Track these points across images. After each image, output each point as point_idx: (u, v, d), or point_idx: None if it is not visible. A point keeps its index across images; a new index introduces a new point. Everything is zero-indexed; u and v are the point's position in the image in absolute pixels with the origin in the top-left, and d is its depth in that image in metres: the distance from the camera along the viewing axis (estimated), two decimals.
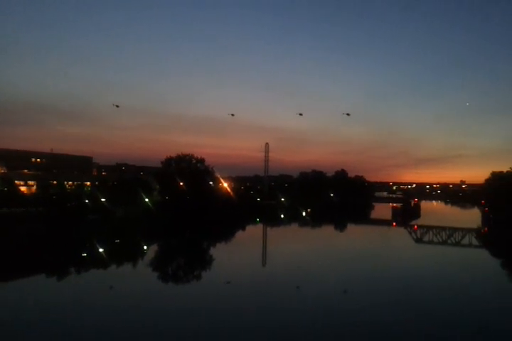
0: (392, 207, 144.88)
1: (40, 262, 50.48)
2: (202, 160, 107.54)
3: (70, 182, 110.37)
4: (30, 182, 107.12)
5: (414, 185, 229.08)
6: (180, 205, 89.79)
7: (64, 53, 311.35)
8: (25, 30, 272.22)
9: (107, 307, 33.35)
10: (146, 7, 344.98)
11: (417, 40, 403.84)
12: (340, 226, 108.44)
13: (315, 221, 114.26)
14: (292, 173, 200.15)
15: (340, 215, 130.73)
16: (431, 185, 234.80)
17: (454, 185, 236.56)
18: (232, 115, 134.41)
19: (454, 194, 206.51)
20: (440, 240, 78.77)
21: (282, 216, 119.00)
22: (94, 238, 65.30)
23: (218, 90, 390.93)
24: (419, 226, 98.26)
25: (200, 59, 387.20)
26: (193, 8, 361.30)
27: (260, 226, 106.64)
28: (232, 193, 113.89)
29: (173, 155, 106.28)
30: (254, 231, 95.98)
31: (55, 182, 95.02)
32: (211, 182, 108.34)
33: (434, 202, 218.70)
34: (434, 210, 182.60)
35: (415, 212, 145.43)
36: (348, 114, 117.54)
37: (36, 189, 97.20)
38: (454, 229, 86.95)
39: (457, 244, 75.06)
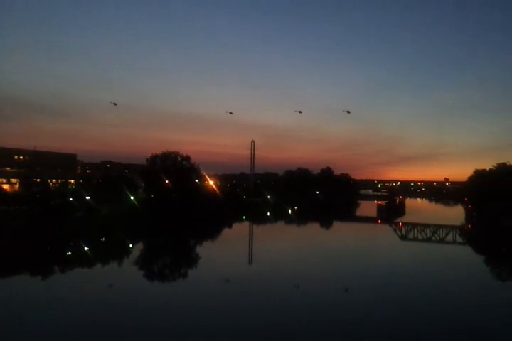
0: (377, 204, 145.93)
1: (21, 260, 49.68)
2: (187, 158, 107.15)
3: (54, 180, 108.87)
4: (13, 180, 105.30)
5: (398, 183, 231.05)
6: (165, 203, 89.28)
7: (49, 50, 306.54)
8: (8, 27, 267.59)
9: (85, 306, 32.72)
10: (133, 4, 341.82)
11: (402, 40, 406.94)
12: (326, 223, 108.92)
13: (301, 218, 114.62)
14: (278, 171, 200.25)
15: (326, 213, 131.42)
16: (415, 182, 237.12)
17: (438, 182, 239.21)
18: (231, 113, 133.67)
19: (437, 191, 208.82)
20: (425, 237, 79.60)
21: (268, 214, 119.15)
22: (78, 236, 64.61)
23: (204, 88, 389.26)
24: (404, 224, 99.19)
25: (186, 57, 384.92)
26: (186, 6, 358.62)
27: (246, 223, 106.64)
28: (217, 191, 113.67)
29: (159, 152, 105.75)
30: (240, 229, 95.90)
31: (38, 180, 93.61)
32: (197, 180, 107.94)
33: (418, 199, 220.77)
34: (418, 208, 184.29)
35: (400, 210, 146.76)
36: (348, 112, 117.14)
37: (19, 187, 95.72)
38: (438, 226, 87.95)
39: (441, 240, 75.92)
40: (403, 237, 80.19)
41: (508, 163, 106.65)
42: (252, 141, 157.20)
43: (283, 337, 27.10)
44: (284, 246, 67.94)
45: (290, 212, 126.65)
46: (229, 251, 61.41)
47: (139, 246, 67.51)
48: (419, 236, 80.00)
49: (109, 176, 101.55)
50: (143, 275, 46.68)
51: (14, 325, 28.37)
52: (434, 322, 30.26)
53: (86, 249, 58.99)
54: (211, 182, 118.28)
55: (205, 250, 64.36)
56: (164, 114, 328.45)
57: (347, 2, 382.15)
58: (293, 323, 29.26)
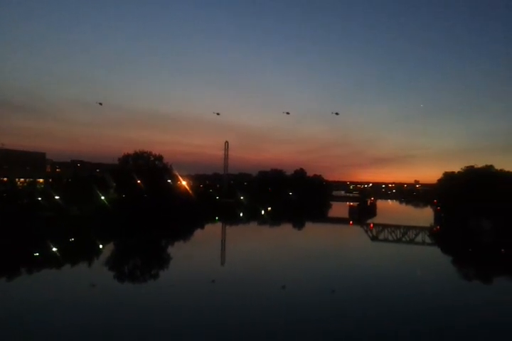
0: (349, 205, 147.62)
1: None
2: (160, 158, 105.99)
3: (22, 179, 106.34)
4: None
5: (370, 185, 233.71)
6: (137, 203, 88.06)
7: (19, 46, 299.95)
8: None
9: (50, 307, 31.94)
10: (109, 1, 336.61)
11: (377, 44, 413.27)
12: (299, 224, 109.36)
13: (274, 219, 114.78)
14: (252, 172, 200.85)
15: (299, 214, 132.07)
16: (386, 184, 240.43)
17: (408, 184, 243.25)
18: (218, 114, 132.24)
19: (408, 193, 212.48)
20: (395, 238, 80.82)
21: (241, 214, 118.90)
22: (45, 237, 62.91)
23: (179, 88, 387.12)
24: (375, 225, 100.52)
25: (161, 56, 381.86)
26: (166, 4, 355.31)
27: (219, 225, 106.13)
28: (190, 191, 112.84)
29: (131, 152, 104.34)
30: (212, 229, 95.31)
31: (5, 178, 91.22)
32: (169, 180, 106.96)
33: (389, 201, 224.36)
34: (389, 209, 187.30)
35: (371, 211, 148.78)
36: (337, 113, 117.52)
37: None
38: (408, 228, 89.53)
39: (411, 241, 77.23)
40: (374, 238, 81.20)
41: (475, 166, 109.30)
42: (226, 142, 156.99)
43: (252, 337, 27.01)
44: (257, 247, 67.86)
45: (263, 212, 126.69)
46: (200, 252, 60.79)
47: (108, 247, 66.07)
48: (390, 237, 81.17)
49: (80, 175, 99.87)
50: (107, 277, 44.83)
51: None
52: (404, 320, 30.71)
53: (53, 249, 57.49)
54: (184, 183, 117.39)
55: (176, 251, 63.65)
56: (138, 114, 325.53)
57: (326, 5, 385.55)
58: (261, 323, 29.17)
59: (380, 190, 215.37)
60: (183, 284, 39.90)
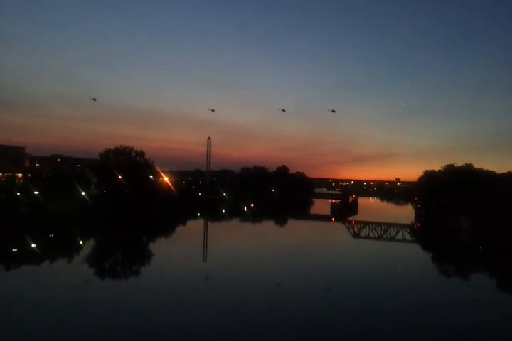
0: (331, 203, 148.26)
1: None
2: (142, 153, 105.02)
3: (0, 174, 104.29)
4: None
5: (352, 182, 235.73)
6: (118, 199, 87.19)
7: (1, 41, 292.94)
8: None
9: (31, 305, 31.46)
10: None
11: (359, 41, 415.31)
12: (281, 221, 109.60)
13: (256, 216, 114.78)
14: (234, 168, 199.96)
15: (281, 211, 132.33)
16: (368, 182, 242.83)
17: (389, 182, 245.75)
18: (213, 110, 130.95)
19: (389, 191, 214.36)
20: (376, 235, 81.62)
21: (223, 211, 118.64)
22: (23, 233, 61.83)
23: (161, 83, 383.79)
24: (357, 222, 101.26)
25: (144, 53, 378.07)
26: (147, 2, 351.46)
27: (201, 221, 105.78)
28: (172, 187, 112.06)
29: (112, 147, 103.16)
30: (194, 226, 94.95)
31: None
32: (151, 176, 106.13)
33: (370, 198, 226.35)
34: (370, 206, 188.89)
35: (353, 208, 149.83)
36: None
37: None
38: (389, 225, 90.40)
39: (392, 238, 78.08)
40: (355, 235, 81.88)
41: (455, 165, 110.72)
42: (209, 138, 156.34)
43: (235, 333, 26.97)
44: (239, 244, 67.79)
45: (246, 209, 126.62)
46: (182, 249, 60.42)
47: (88, 243, 65.08)
48: (371, 234, 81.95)
49: (60, 171, 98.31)
50: (85, 275, 43.69)
51: None
52: (384, 316, 30.98)
53: (30, 246, 56.49)
54: (166, 179, 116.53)
55: (157, 248, 63.09)
56: (120, 109, 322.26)
57: (311, 4, 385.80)
58: (242, 319, 29.17)
59: (362, 188, 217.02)
60: (163, 281, 39.64)
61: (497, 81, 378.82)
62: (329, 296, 36.05)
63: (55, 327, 27.30)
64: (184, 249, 60.04)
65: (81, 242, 62.63)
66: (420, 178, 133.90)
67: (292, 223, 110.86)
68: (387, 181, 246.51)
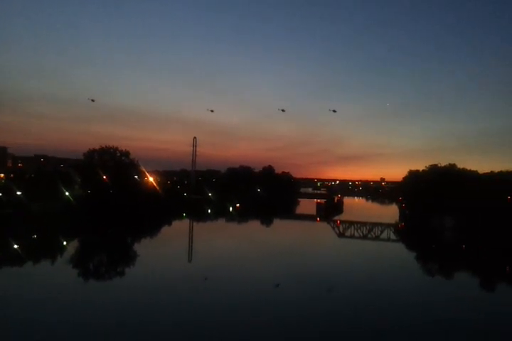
0: (317, 202, 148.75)
1: None
2: (127, 153, 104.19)
3: None
4: None
5: (337, 182, 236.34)
6: (103, 199, 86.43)
7: None
8: None
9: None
10: None
11: (344, 41, 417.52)
12: (267, 221, 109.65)
13: (242, 216, 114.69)
14: (220, 168, 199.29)
15: (267, 210, 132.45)
16: (353, 181, 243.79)
17: (374, 182, 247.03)
18: (212, 111, 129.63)
19: (374, 191, 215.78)
20: (361, 234, 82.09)
21: (209, 211, 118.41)
22: (3, 234, 60.92)
23: (148, 83, 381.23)
24: (342, 222, 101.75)
25: (130, 52, 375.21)
26: (132, 2, 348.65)
27: (187, 221, 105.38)
28: (158, 187, 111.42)
29: (97, 147, 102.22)
30: (179, 226, 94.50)
31: None
32: (136, 176, 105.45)
33: (356, 198, 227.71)
34: (355, 206, 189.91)
35: (338, 208, 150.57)
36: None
37: None
38: (374, 224, 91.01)
39: (377, 238, 78.57)
40: (341, 235, 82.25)
41: (439, 165, 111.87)
42: (194, 138, 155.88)
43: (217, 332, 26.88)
44: (225, 244, 67.62)
45: (232, 209, 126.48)
46: (167, 250, 60.04)
47: (73, 244, 64.38)
48: (356, 234, 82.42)
49: (43, 171, 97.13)
50: (70, 276, 43.49)
51: None
52: (368, 314, 31.12)
53: (14, 247, 55.72)
54: (151, 179, 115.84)
55: (142, 248, 62.33)
56: (105, 109, 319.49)
57: (294, 4, 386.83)
58: (225, 319, 29.08)
59: (347, 188, 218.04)
60: (147, 282, 39.32)
61: (483, 82, 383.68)
62: (314, 295, 36.10)
63: (33, 327, 26.92)
64: (169, 250, 59.69)
65: (64, 243, 61.80)
66: (405, 178, 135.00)
67: (278, 223, 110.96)
68: (372, 181, 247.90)
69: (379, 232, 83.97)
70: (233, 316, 30.24)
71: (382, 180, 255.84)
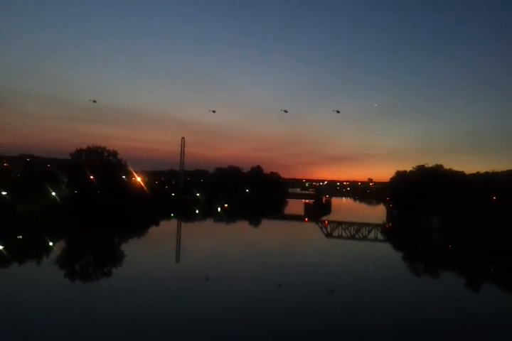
0: (305, 203, 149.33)
1: None
2: (114, 153, 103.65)
3: None
4: None
5: (325, 182, 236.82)
6: (90, 199, 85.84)
7: None
8: None
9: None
10: None
11: (333, 41, 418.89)
12: (255, 221, 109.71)
13: (230, 216, 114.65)
14: (209, 168, 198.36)
15: (256, 211, 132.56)
16: (341, 182, 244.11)
17: (362, 182, 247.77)
18: (214, 112, 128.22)
19: (362, 191, 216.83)
20: (349, 235, 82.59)
21: (197, 211, 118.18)
22: None
23: (136, 83, 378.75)
24: (330, 222, 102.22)
25: (118, 51, 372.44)
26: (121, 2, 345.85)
27: (174, 221, 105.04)
28: (145, 188, 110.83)
29: (84, 147, 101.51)
30: (167, 227, 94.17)
31: None
32: (124, 176, 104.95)
33: (343, 198, 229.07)
34: (343, 206, 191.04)
35: (326, 208, 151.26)
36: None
37: None
38: (362, 225, 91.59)
39: (364, 238, 79.10)
40: (328, 235, 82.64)
41: (426, 165, 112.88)
42: (183, 138, 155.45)
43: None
44: (212, 244, 67.50)
45: (220, 209, 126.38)
46: (154, 250, 59.58)
47: (59, 244, 63.62)
48: (344, 234, 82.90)
49: (30, 171, 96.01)
50: (57, 276, 42.89)
51: None
52: (354, 314, 31.31)
53: None
54: (139, 179, 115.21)
55: (129, 249, 61.62)
56: (93, 109, 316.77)
57: (280, 2, 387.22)
58: (208, 320, 29.06)
59: (335, 188, 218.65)
60: (133, 282, 39.09)
61: (470, 82, 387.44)
62: (300, 295, 36.20)
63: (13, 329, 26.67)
64: (156, 250, 59.31)
65: (50, 244, 61.13)
66: (392, 179, 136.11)
67: (266, 223, 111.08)
68: (360, 181, 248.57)
69: (366, 232, 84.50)
70: (219, 316, 30.15)
71: (370, 180, 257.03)
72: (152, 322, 28.22)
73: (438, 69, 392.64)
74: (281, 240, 76.03)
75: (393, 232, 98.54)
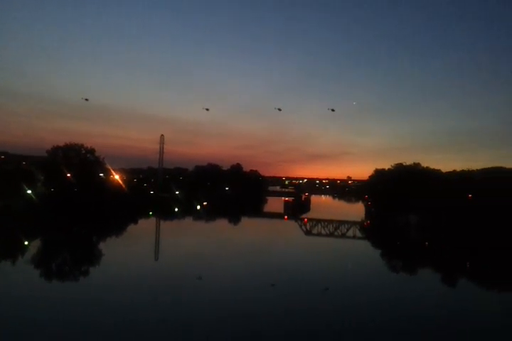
0: (285, 200, 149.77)
1: None
2: (92, 151, 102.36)
3: None
4: None
5: (305, 180, 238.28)
6: (66, 197, 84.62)
7: None
8: None
9: None
10: None
11: (314, 39, 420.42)
12: (235, 219, 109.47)
13: (210, 214, 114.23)
14: (188, 166, 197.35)
15: (235, 209, 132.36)
16: (320, 180, 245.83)
17: (341, 180, 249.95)
18: (207, 109, 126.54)
19: (341, 189, 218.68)
20: (328, 232, 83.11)
21: (176, 209, 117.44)
22: None
23: (114, 80, 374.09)
24: (309, 220, 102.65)
25: (96, 48, 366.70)
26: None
27: (153, 220, 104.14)
28: (124, 185, 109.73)
29: (61, 144, 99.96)
30: (145, 225, 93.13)
31: None
32: (102, 174, 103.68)
33: (323, 196, 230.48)
34: (323, 204, 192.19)
35: (306, 206, 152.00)
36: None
37: None
38: (341, 222, 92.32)
39: (343, 235, 79.72)
40: (308, 232, 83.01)
41: (404, 164, 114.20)
42: (162, 135, 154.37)
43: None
44: (191, 243, 66.97)
45: (199, 207, 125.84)
46: (133, 248, 58.96)
47: (34, 244, 62.20)
48: (323, 231, 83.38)
49: (4, 168, 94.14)
50: (32, 276, 41.93)
51: None
52: (332, 311, 31.46)
53: None
54: (117, 177, 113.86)
55: (106, 248, 60.30)
56: (70, 105, 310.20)
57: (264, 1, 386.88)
58: (189, 317, 28.87)
59: (315, 186, 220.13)
60: (111, 281, 38.61)
61: (449, 81, 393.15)
62: (279, 292, 36.21)
63: None
64: (134, 248, 58.62)
65: (25, 242, 59.84)
66: (371, 176, 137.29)
67: (246, 221, 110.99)
68: (339, 179, 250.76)
69: (345, 230, 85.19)
70: (197, 314, 29.97)
71: (349, 178, 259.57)
72: (130, 320, 27.88)
73: (415, 67, 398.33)
74: (261, 238, 76.04)
75: (371, 230, 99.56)
